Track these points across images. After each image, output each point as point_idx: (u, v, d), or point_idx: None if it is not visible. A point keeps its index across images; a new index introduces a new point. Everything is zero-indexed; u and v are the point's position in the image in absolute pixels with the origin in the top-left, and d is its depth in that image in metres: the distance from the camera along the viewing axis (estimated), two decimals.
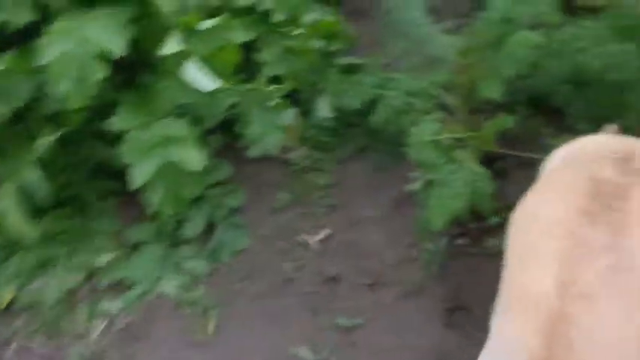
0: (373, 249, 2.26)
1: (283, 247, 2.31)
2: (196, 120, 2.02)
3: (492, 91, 2.11)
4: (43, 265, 2.19)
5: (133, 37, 1.94)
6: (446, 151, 1.98)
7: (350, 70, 2.65)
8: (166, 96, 2.00)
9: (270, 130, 2.15)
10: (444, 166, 1.91)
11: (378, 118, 2.31)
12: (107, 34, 1.85)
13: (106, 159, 2.18)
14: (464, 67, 2.23)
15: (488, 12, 2.13)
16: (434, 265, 2.17)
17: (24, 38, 1.96)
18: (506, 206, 2.18)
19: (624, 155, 1.44)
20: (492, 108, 2.27)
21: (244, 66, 2.22)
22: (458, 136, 2.16)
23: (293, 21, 2.36)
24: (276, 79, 2.37)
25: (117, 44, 1.85)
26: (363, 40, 2.95)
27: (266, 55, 2.31)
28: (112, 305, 2.17)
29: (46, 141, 1.95)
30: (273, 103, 2.12)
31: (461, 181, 1.90)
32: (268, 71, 2.29)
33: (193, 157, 1.97)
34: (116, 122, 2.00)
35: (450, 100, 2.27)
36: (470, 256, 2.18)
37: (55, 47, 1.83)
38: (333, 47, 2.64)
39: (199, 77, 1.88)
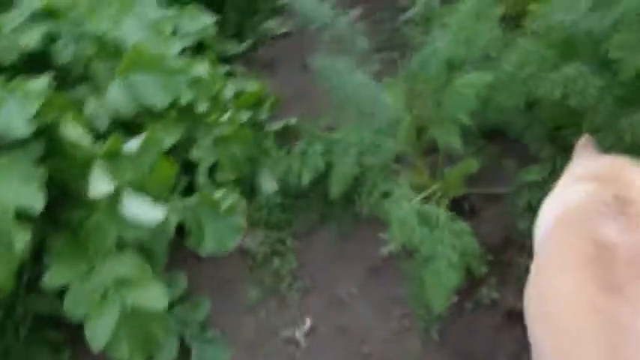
0: (363, 329, 2.09)
1: (269, 350, 2.10)
2: (145, 252, 1.78)
3: (451, 138, 1.99)
4: None
5: (50, 175, 1.67)
6: (427, 220, 1.83)
7: (286, 133, 2.47)
8: (102, 234, 1.74)
9: (226, 235, 1.93)
10: (430, 237, 1.76)
11: (335, 189, 2.14)
12: (22, 189, 1.57)
13: (50, 310, 1.90)
14: (409, 113, 2.10)
15: (425, 55, 2.01)
16: (432, 332, 2.03)
17: None
18: (486, 250, 2.11)
19: (617, 201, 1.44)
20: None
21: (180, 169, 2.00)
22: (428, 192, 2.04)
23: (216, 105, 2.14)
24: (214, 167, 2.18)
25: (35, 198, 1.58)
26: (288, 92, 2.79)
27: (198, 152, 2.08)
28: None
29: None
30: (224, 208, 1.90)
31: (450, 247, 1.76)
32: (205, 167, 2.07)
33: (154, 296, 1.73)
34: (51, 278, 1.73)
35: (403, 148, 2.12)
36: (466, 312, 2.06)
37: None
38: (263, 115, 2.45)
39: (140, 211, 1.64)
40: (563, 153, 2.03)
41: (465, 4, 1.89)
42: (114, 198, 1.64)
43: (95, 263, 1.74)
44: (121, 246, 1.75)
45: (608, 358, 1.19)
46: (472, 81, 1.85)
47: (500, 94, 1.94)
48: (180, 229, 2.03)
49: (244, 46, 2.90)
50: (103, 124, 1.92)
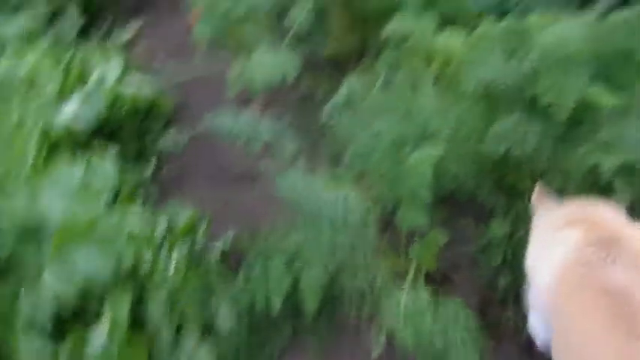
0: None
1: None
2: None
3: (417, 218, 1.93)
4: None
5: None
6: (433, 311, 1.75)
7: (230, 254, 2.29)
8: None
9: None
10: (441, 330, 1.67)
11: (310, 304, 1.99)
12: None
13: None
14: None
15: (368, 140, 1.95)
16: None
17: None
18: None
19: (606, 243, 1.48)
20: None
21: None
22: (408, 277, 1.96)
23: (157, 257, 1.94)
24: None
25: None
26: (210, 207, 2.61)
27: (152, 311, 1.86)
28: None
29: None
30: None
31: (460, 339, 1.68)
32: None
33: None
34: None
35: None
36: None
37: None
38: (201, 242, 2.26)
39: None
40: (518, 201, 2.06)
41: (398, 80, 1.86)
42: None
43: None
44: None
45: None
46: (425, 156, 1.81)
47: (450, 162, 1.92)
48: None
49: (149, 168, 2.71)
50: (43, 317, 1.65)
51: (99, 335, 1.50)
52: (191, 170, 2.91)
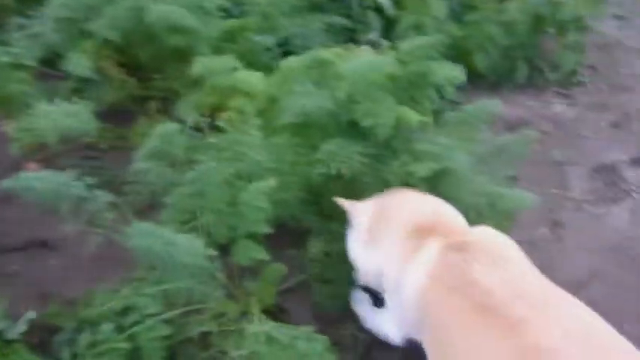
0: None
1: None
2: None
3: (256, 253, 1.90)
4: None
5: None
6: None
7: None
8: None
9: None
10: None
11: None
12: None
13: None
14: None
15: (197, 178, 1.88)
16: None
17: None
18: None
19: (461, 246, 1.59)
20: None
21: None
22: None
23: None
24: None
25: None
26: None
27: None
28: None
29: None
30: None
31: None
32: None
33: None
34: None
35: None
36: None
37: None
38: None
39: None
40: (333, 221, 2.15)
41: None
42: None
43: None
44: None
45: None
46: (260, 189, 1.79)
47: (282, 192, 1.94)
48: None
49: None
50: None
51: None
52: None
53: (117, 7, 2.32)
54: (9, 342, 1.94)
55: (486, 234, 1.70)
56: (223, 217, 1.84)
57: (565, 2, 3.28)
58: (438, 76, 2.07)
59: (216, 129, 2.51)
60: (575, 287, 1.66)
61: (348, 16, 3.13)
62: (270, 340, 1.74)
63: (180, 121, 2.46)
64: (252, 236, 1.88)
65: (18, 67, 2.57)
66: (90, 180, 1.97)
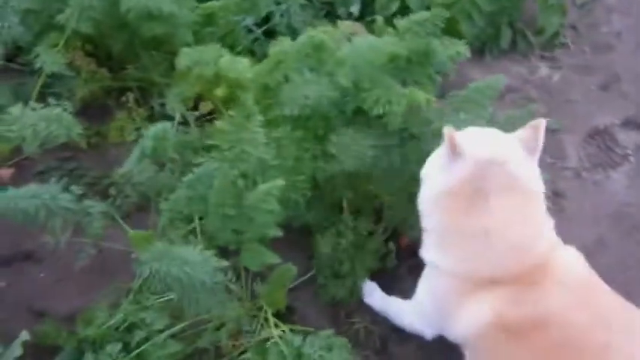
0: None
1: None
2: None
3: (266, 258, 1.80)
4: None
5: None
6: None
7: None
8: None
9: None
10: None
11: None
12: None
13: None
14: None
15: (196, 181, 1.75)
16: None
17: None
18: None
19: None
20: None
21: None
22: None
23: None
24: None
25: None
26: None
27: None
28: None
29: None
30: None
31: None
32: None
33: None
34: None
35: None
36: None
37: None
38: None
39: None
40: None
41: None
42: None
43: None
44: None
45: None
46: (270, 189, 1.66)
47: (290, 191, 1.82)
48: None
49: None
50: None
51: None
52: None
53: None
54: None
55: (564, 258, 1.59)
56: (229, 222, 1.71)
57: None
58: (441, 54, 1.96)
59: (206, 122, 2.38)
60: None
61: None
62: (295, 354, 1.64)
63: (165, 116, 2.33)
64: (261, 240, 1.76)
65: None
66: (77, 189, 1.83)
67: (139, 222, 2.16)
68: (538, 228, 1.54)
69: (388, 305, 1.98)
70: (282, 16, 2.63)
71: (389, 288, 2.07)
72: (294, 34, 2.48)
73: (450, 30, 2.18)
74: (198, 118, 2.34)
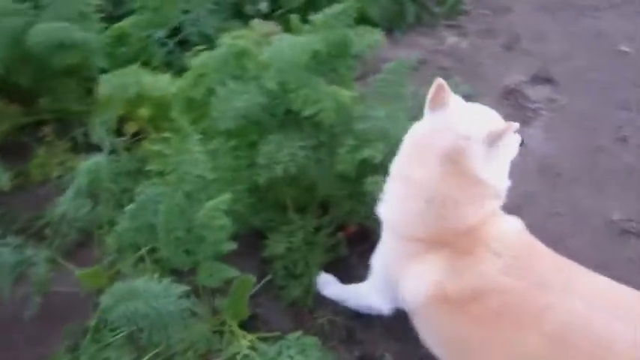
0: None
1: None
2: None
3: (224, 273, 1.80)
4: None
5: None
6: None
7: None
8: None
9: None
10: None
11: None
12: None
13: None
14: None
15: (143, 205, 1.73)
16: None
17: None
18: None
19: None
20: None
21: None
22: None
23: None
24: None
25: None
26: None
27: None
28: None
29: None
30: None
31: None
32: None
33: None
34: None
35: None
36: None
37: None
38: None
39: None
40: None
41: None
42: None
43: None
44: None
45: None
46: (217, 204, 1.66)
47: (233, 203, 1.82)
48: None
49: None
50: None
51: None
52: None
53: None
54: None
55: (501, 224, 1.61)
56: (181, 245, 1.69)
57: None
58: (359, 44, 2.00)
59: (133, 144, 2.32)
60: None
61: None
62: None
63: (90, 145, 2.26)
64: (216, 256, 1.76)
65: None
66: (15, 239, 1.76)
67: (81, 259, 2.10)
68: (473, 197, 1.57)
69: (346, 293, 2.01)
70: (192, 25, 2.59)
71: (343, 277, 2.10)
72: (207, 41, 2.45)
73: (359, 16, 2.23)
74: (125, 141, 2.29)
